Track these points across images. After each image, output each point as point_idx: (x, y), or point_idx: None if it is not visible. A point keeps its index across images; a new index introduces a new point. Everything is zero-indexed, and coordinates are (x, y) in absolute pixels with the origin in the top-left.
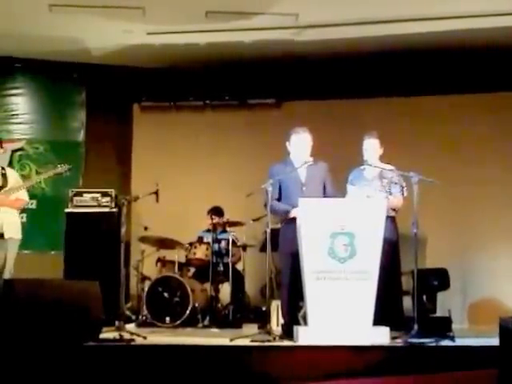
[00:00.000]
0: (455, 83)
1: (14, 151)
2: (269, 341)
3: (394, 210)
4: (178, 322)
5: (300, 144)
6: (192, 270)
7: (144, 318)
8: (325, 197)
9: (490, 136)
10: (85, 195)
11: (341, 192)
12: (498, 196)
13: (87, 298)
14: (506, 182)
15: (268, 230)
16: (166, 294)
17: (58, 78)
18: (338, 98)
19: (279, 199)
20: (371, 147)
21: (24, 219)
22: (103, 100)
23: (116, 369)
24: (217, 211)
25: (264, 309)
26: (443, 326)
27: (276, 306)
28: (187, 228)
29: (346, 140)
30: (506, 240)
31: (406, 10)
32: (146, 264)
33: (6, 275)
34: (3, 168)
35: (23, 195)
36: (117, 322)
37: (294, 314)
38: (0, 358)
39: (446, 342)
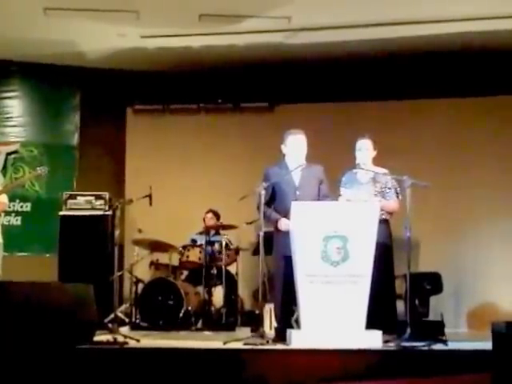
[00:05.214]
0: (450, 86)
1: (8, 154)
2: (262, 344)
3: (389, 213)
4: (172, 325)
5: (296, 145)
6: (185, 273)
7: (137, 320)
8: (320, 200)
9: (484, 139)
10: (79, 198)
11: (335, 195)
12: (491, 199)
13: (81, 300)
14: (500, 186)
15: (261, 234)
16: (159, 297)
17: (52, 81)
18: (331, 101)
19: (269, 203)
20: (364, 147)
21: (18, 222)
22: (97, 103)
23: (109, 372)
24: (214, 213)
25: (257, 312)
26: (436, 330)
27: (269, 310)
28: (180, 231)
29: (340, 143)
30: (499, 244)
31: (400, 13)
32: (139, 267)
33: None
34: None
35: (3, 198)
36: (110, 325)
37: (287, 317)
38: None
39: (438, 346)
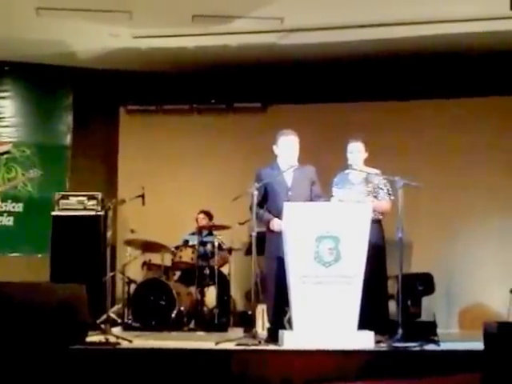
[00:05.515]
0: (441, 88)
1: (0, 154)
2: (254, 345)
3: (381, 213)
4: (164, 325)
5: (288, 146)
6: (178, 273)
7: (130, 321)
8: (312, 200)
9: (476, 141)
10: (71, 198)
11: (327, 196)
12: (483, 200)
13: (73, 301)
14: (492, 187)
15: (253, 234)
16: (151, 298)
17: (44, 81)
18: (323, 101)
19: (261, 203)
20: (356, 150)
21: (10, 222)
22: (90, 103)
23: (102, 372)
24: (206, 213)
25: (249, 313)
26: (428, 331)
27: (261, 310)
28: (173, 231)
29: (332, 144)
30: (490, 244)
31: (393, 14)
32: (131, 267)
33: None
34: None
35: None
36: (103, 326)
37: (280, 318)
38: None
39: (430, 346)
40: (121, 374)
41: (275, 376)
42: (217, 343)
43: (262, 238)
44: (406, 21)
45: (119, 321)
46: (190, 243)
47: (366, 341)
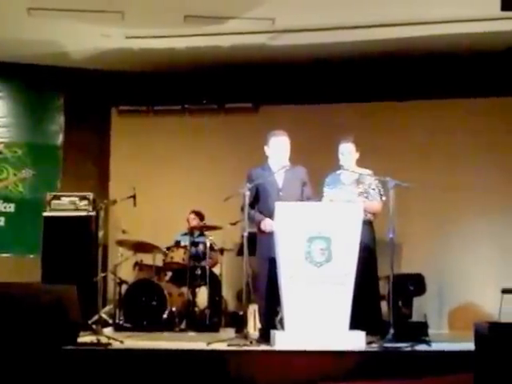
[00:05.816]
0: (431, 89)
1: None
2: (246, 345)
3: (372, 214)
4: (155, 326)
5: (279, 147)
6: (169, 273)
7: (121, 322)
8: (303, 201)
9: (468, 142)
10: (63, 199)
11: (319, 196)
12: (474, 201)
13: (65, 301)
14: (483, 188)
15: (245, 234)
16: (143, 298)
17: (36, 81)
18: (315, 102)
19: (253, 204)
20: (347, 151)
21: (2, 223)
22: (81, 104)
23: (93, 373)
24: (197, 213)
25: (241, 313)
26: (419, 331)
27: (253, 311)
28: (165, 232)
29: (323, 144)
30: (482, 245)
31: (383, 16)
32: (123, 268)
33: None
34: None
35: None
36: (94, 326)
37: (271, 318)
38: None
39: (421, 347)
40: (112, 375)
41: (267, 376)
42: (208, 344)
43: (253, 239)
44: (397, 22)
45: (110, 321)
46: (182, 244)
47: (357, 341)
